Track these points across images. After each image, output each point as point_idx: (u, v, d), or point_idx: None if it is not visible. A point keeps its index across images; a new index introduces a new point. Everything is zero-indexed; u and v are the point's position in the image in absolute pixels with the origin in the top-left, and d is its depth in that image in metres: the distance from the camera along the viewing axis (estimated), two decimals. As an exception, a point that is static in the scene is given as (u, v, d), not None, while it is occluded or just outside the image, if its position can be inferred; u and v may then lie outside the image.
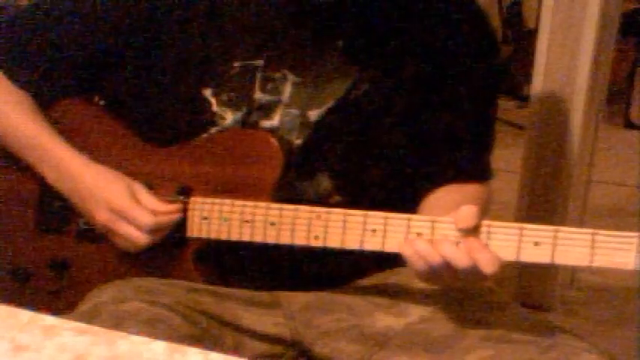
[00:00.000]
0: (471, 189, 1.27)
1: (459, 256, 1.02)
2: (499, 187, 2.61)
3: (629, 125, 4.21)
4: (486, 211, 1.26)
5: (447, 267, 1.03)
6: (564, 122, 2.14)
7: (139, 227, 1.18)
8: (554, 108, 2.15)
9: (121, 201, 1.18)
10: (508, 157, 2.98)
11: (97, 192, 1.20)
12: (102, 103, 1.29)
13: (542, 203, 2.22)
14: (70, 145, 1.24)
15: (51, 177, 1.24)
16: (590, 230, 0.99)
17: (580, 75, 2.11)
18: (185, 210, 1.19)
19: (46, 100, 1.28)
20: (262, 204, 1.14)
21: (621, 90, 4.21)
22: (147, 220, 1.17)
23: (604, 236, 0.98)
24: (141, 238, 1.18)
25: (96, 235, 1.24)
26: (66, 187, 1.23)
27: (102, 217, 1.19)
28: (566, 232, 1.00)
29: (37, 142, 1.25)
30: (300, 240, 1.12)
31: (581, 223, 2.32)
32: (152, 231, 1.18)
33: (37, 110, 1.27)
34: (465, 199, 1.14)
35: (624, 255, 0.97)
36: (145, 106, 1.25)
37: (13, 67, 1.27)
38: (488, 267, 1.01)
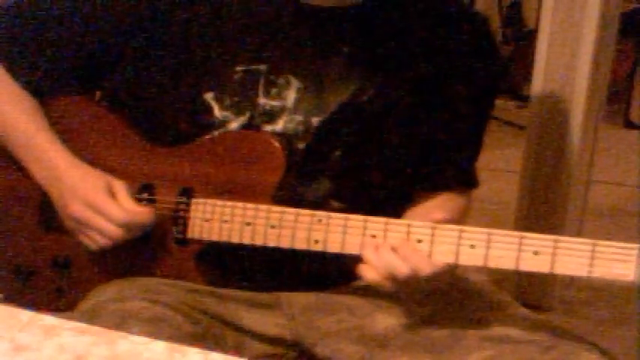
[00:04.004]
0: (459, 200, 1.29)
1: (399, 263, 1.06)
2: (499, 187, 2.62)
3: (629, 125, 4.21)
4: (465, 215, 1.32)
5: (391, 273, 1.06)
6: (564, 122, 2.14)
7: (111, 221, 1.18)
8: (554, 108, 2.15)
9: (96, 195, 1.19)
10: (508, 157, 2.98)
11: (76, 187, 1.21)
12: (104, 102, 1.29)
13: (542, 203, 2.22)
14: (61, 145, 1.25)
15: (37, 173, 1.25)
16: (591, 241, 0.99)
17: (580, 75, 2.11)
18: (187, 211, 1.19)
19: (47, 98, 1.29)
20: (263, 207, 1.14)
21: (621, 90, 4.21)
22: (120, 215, 1.18)
23: (604, 247, 0.98)
24: (113, 232, 1.18)
25: None
26: (49, 184, 1.24)
27: (76, 210, 1.20)
28: (566, 241, 1.00)
29: (30, 140, 1.25)
30: (300, 244, 1.13)
31: (581, 223, 2.32)
32: (124, 226, 1.18)
33: (36, 109, 1.27)
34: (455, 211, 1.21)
35: (624, 267, 0.97)
36: (146, 108, 1.25)
37: (16, 65, 1.28)
38: (424, 270, 1.06)
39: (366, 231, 1.10)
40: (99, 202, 1.19)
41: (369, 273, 1.08)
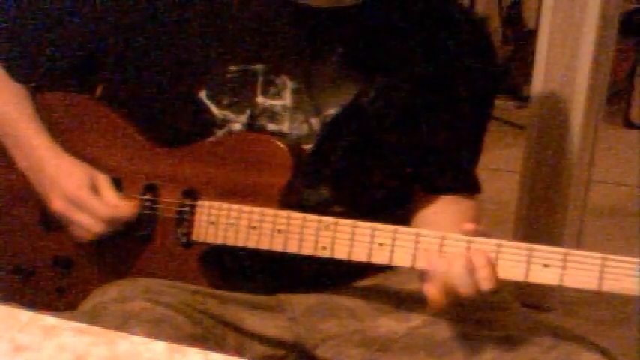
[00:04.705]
0: (466, 204, 1.28)
1: (462, 273, 1.03)
2: (499, 187, 2.62)
3: (629, 125, 4.20)
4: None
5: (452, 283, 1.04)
6: (564, 122, 2.14)
7: (94, 217, 1.19)
8: (554, 108, 2.15)
9: (77, 190, 1.20)
10: (508, 157, 2.98)
11: (57, 180, 1.22)
12: (107, 101, 1.29)
13: (542, 203, 2.21)
14: (47, 135, 1.25)
15: (22, 164, 1.26)
16: (600, 255, 0.98)
17: (580, 75, 2.11)
18: (192, 213, 1.19)
19: (50, 97, 1.29)
20: (270, 211, 1.14)
21: (621, 90, 4.21)
22: (101, 209, 1.19)
23: (614, 261, 0.98)
24: (94, 227, 1.19)
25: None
26: (33, 175, 1.25)
27: (58, 205, 1.21)
28: (576, 255, 1.00)
29: (16, 128, 1.26)
30: (307, 250, 1.12)
31: (581, 223, 2.32)
32: (106, 221, 1.19)
33: (25, 98, 1.28)
34: (463, 215, 1.17)
35: (634, 281, 0.97)
36: (145, 106, 1.24)
37: (14, 65, 1.28)
38: (486, 284, 1.03)
39: (374, 239, 1.09)
40: (81, 197, 1.19)
41: (432, 292, 1.05)
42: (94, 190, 1.20)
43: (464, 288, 1.03)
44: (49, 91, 1.29)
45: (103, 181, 1.21)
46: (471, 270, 1.02)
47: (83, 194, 1.19)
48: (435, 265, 1.05)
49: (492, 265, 1.03)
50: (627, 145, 3.83)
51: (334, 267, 1.19)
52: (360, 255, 1.10)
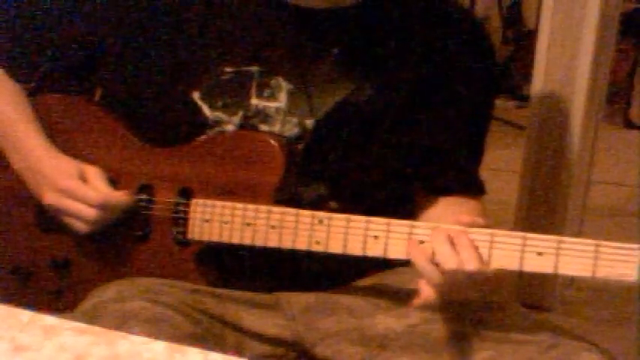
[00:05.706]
0: (470, 204, 1.27)
1: (448, 253, 1.03)
2: (499, 187, 2.62)
3: (629, 125, 4.21)
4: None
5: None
6: (564, 122, 2.14)
7: (84, 203, 1.19)
8: (554, 108, 2.15)
9: (67, 181, 1.20)
10: (508, 157, 2.99)
11: (46, 174, 1.22)
12: (104, 103, 1.29)
13: (542, 203, 2.22)
14: (42, 136, 1.26)
15: (18, 165, 1.26)
16: (594, 241, 0.99)
17: (580, 75, 2.11)
18: (187, 212, 1.19)
19: (47, 99, 1.29)
20: (264, 207, 1.14)
21: (621, 90, 4.21)
22: (92, 195, 1.19)
23: (608, 248, 0.98)
24: (87, 214, 1.19)
25: (97, 235, 1.24)
26: (30, 175, 1.25)
27: (50, 198, 1.21)
28: (569, 242, 1.00)
29: (14, 129, 1.26)
30: (301, 245, 1.12)
31: (581, 223, 2.32)
32: (100, 207, 1.19)
33: (21, 98, 1.28)
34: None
35: (627, 267, 0.97)
36: (140, 107, 1.25)
37: (13, 65, 1.28)
38: (470, 264, 1.02)
39: (368, 232, 1.09)
40: (70, 186, 1.20)
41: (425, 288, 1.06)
42: (84, 180, 1.21)
43: (446, 262, 1.02)
44: (47, 92, 1.29)
45: (93, 172, 1.22)
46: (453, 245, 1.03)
47: (72, 183, 1.20)
48: (413, 250, 1.05)
49: (475, 246, 1.03)
50: (627, 145, 3.84)
51: (333, 266, 1.19)
52: (354, 249, 1.10)
